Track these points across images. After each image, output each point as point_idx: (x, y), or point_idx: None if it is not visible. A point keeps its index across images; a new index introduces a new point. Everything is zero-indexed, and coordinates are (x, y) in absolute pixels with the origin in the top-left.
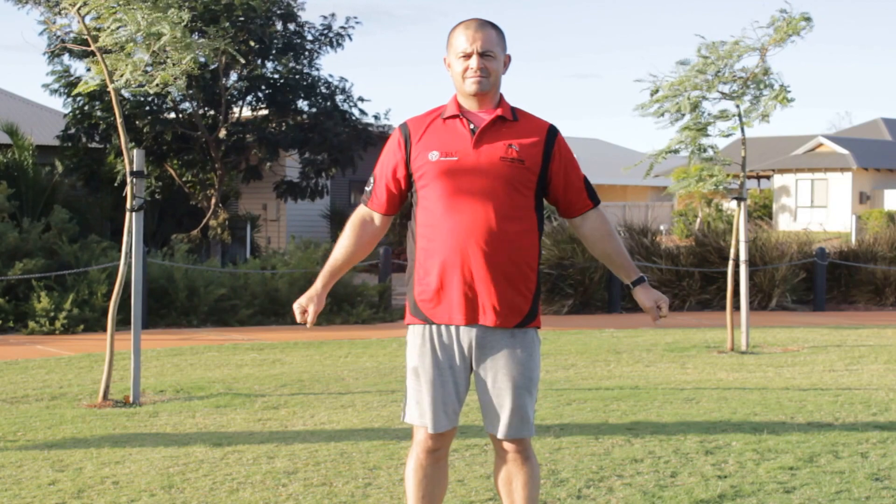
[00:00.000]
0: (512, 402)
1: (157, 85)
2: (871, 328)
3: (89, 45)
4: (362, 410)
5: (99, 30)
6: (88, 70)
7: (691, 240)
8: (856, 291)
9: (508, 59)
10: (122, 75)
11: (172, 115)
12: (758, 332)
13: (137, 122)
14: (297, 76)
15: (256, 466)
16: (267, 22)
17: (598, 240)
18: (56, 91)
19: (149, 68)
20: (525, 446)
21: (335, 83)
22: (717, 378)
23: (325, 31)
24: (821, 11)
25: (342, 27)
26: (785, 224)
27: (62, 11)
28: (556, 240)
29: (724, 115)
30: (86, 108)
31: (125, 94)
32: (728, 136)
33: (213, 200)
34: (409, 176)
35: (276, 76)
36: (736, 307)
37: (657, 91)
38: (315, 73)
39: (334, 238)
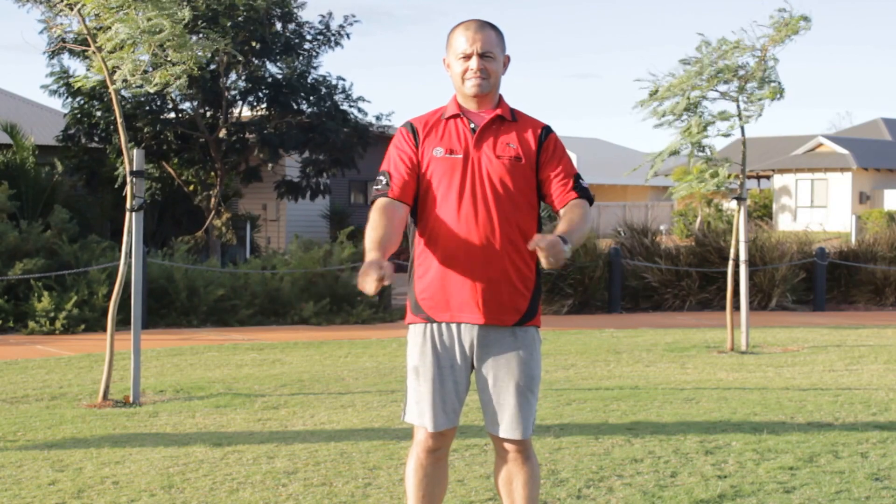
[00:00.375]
0: (513, 401)
1: (156, 85)
2: (870, 328)
3: (89, 46)
4: (362, 410)
5: (99, 30)
6: (88, 70)
7: (691, 240)
8: (856, 291)
9: (508, 59)
10: (121, 76)
11: (172, 115)
12: (758, 332)
13: (137, 122)
14: (297, 76)
15: (256, 466)
16: (268, 22)
17: (567, 211)
18: (55, 92)
19: (149, 69)
20: (525, 446)
21: (335, 83)
22: (717, 378)
23: (324, 31)
24: (821, 11)
25: (340, 26)
26: (785, 224)
27: (62, 12)
28: None
29: (724, 116)
30: (86, 107)
31: (125, 93)
32: (727, 135)
33: (215, 200)
34: (418, 166)
35: (279, 76)
36: (736, 307)
37: (656, 91)
38: (315, 73)
39: (334, 238)
